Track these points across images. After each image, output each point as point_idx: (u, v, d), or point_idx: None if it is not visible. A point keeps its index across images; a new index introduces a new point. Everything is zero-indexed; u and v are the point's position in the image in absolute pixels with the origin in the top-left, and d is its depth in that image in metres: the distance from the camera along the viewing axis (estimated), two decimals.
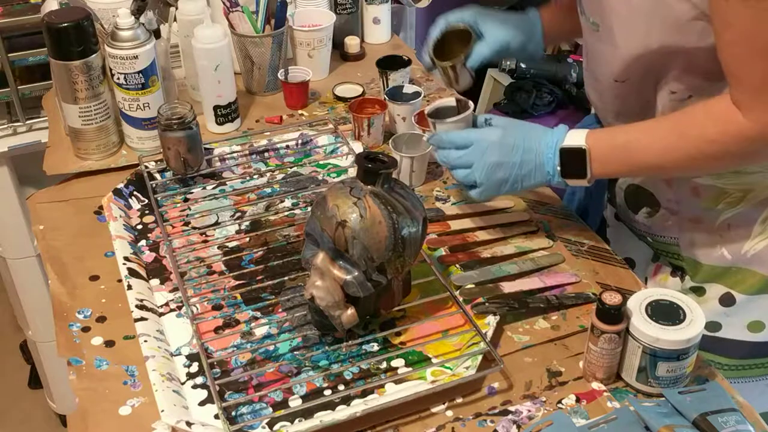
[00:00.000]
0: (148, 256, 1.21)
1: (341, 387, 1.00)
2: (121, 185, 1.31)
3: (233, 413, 0.97)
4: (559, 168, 1.08)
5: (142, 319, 1.07)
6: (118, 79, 1.35)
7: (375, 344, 1.06)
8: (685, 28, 0.98)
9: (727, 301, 1.16)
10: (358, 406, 0.96)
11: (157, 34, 1.42)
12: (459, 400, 0.99)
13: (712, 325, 1.17)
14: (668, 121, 1.04)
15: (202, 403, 0.99)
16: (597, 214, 1.34)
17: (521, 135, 1.09)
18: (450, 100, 1.17)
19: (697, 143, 0.99)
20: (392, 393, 0.99)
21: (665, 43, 1.01)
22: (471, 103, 1.18)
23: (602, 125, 1.23)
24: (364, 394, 0.99)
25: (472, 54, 1.24)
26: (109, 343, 1.07)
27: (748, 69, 0.93)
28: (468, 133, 1.12)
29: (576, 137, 1.08)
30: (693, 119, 1.00)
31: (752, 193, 1.11)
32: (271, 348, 1.06)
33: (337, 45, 1.74)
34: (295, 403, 0.98)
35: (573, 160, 1.07)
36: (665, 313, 0.95)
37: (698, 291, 1.18)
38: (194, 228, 1.26)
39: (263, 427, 0.95)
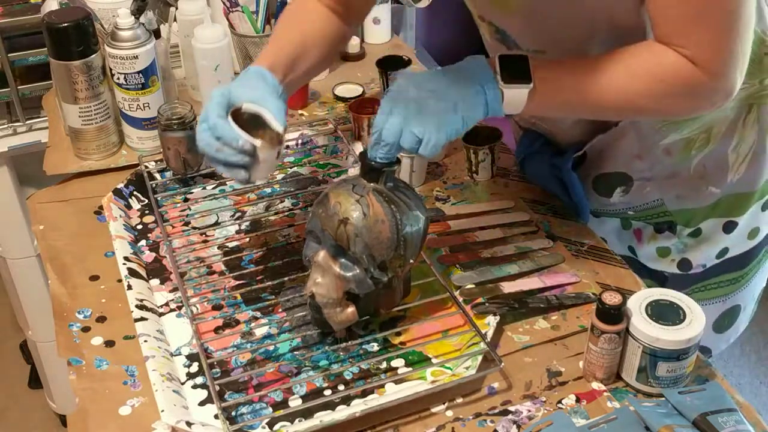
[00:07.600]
0: (148, 256, 1.21)
1: (341, 387, 1.00)
2: (121, 185, 1.31)
3: (233, 413, 0.97)
4: (499, 72, 0.95)
5: (142, 319, 1.07)
6: (118, 79, 1.35)
7: (375, 344, 1.06)
8: None
9: (730, 227, 1.22)
10: (358, 406, 0.96)
11: (157, 34, 1.43)
12: (459, 400, 0.99)
13: (722, 252, 1.23)
14: (616, 61, 0.97)
15: (202, 403, 0.99)
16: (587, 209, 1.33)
17: (438, 72, 0.98)
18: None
19: (647, 82, 0.96)
20: (392, 393, 0.99)
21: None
22: None
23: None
24: (364, 394, 0.99)
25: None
26: (109, 343, 1.07)
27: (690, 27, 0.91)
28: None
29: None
30: (642, 60, 0.96)
31: (714, 129, 1.14)
32: (271, 348, 1.06)
33: None
34: (295, 403, 0.98)
35: (514, 65, 0.96)
36: (665, 313, 0.95)
37: (695, 234, 1.23)
38: (194, 228, 1.26)
39: (263, 427, 0.95)
